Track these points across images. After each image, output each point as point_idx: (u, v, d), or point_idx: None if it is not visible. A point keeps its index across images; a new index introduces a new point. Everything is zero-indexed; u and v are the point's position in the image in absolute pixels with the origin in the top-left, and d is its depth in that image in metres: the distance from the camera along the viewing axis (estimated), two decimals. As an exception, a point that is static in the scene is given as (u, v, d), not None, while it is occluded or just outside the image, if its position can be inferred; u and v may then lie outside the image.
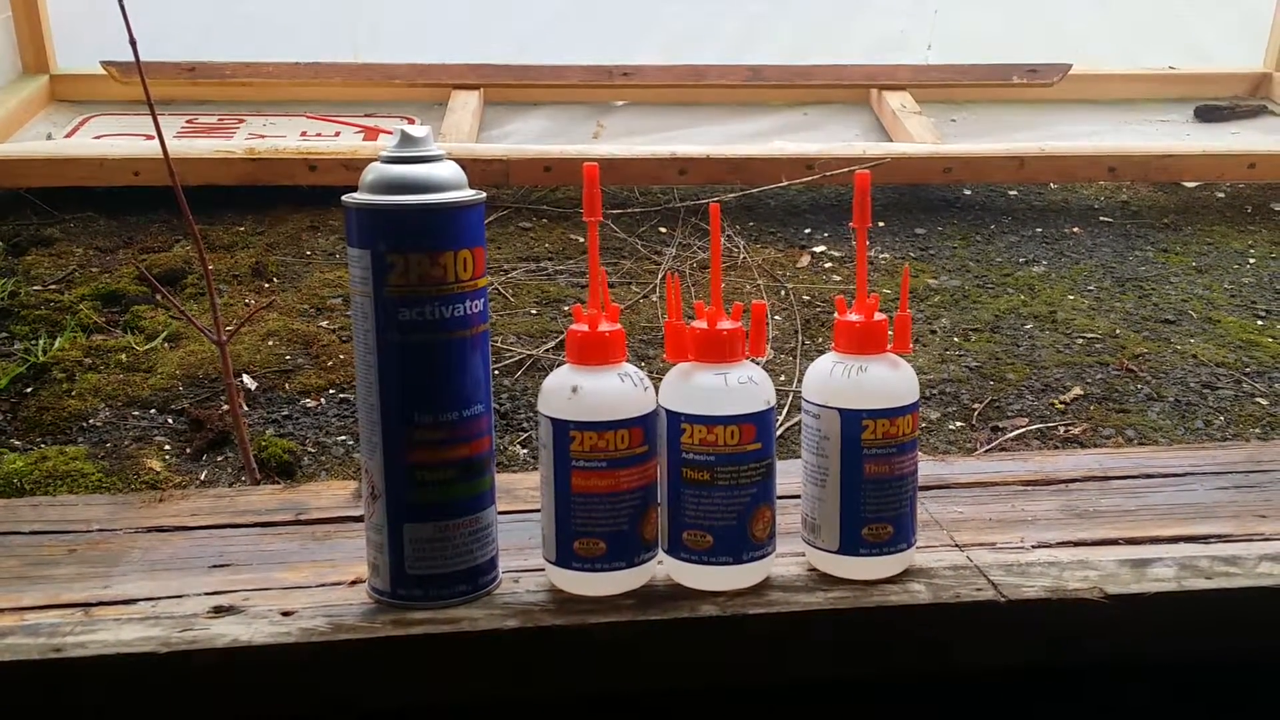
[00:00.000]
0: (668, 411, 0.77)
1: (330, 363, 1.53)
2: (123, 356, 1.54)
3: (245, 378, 1.48)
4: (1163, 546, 0.86)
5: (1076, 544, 0.87)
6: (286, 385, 1.48)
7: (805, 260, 1.89)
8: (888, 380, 0.78)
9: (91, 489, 1.27)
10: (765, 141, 2.17)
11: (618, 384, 0.77)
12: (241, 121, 2.33)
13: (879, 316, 0.79)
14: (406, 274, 0.73)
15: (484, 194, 0.77)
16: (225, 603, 0.78)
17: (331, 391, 1.48)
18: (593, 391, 0.76)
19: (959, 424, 1.45)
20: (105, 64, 2.31)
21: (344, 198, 0.75)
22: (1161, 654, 0.81)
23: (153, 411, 1.43)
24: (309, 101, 2.36)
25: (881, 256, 1.91)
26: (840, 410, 0.78)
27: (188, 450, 1.35)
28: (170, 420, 1.42)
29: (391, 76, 2.37)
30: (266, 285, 1.74)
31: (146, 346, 1.57)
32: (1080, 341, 1.66)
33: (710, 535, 0.77)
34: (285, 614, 0.76)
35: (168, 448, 1.36)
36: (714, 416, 0.76)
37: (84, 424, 1.40)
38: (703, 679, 0.77)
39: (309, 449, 1.36)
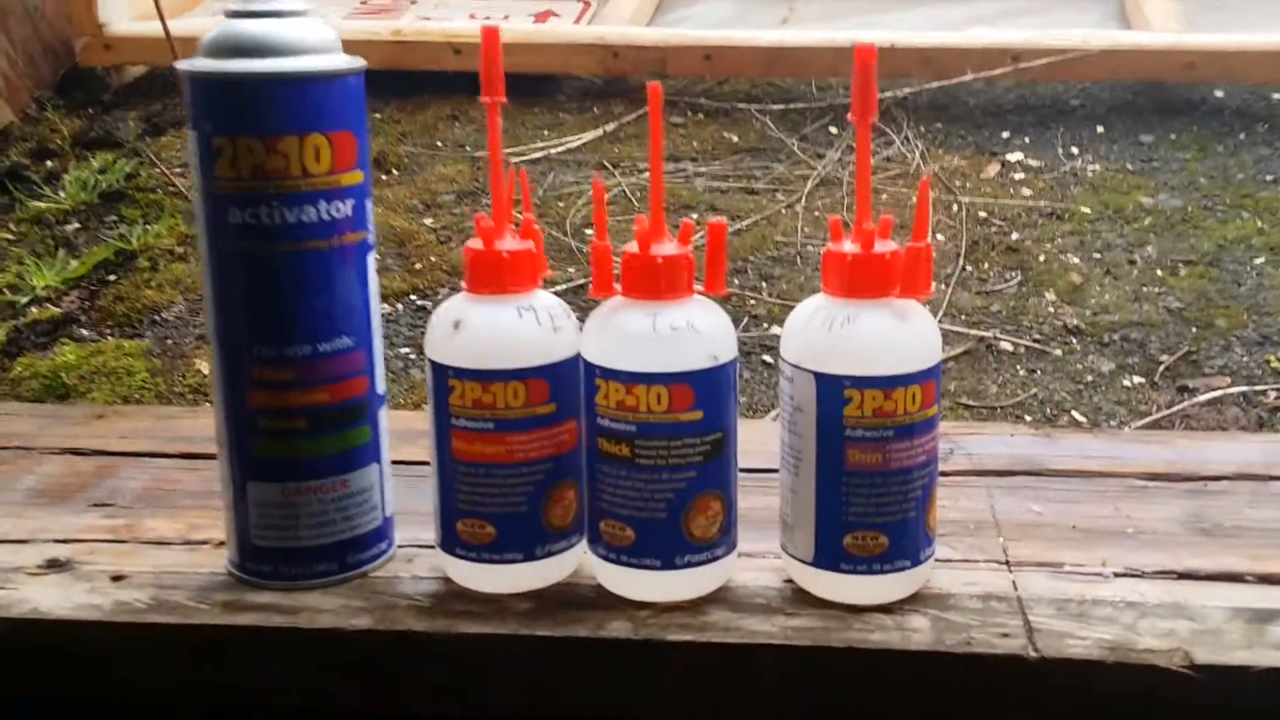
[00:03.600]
0: (585, 362, 0.58)
1: (419, 265, 1.39)
2: (220, 248, 1.46)
3: (323, 277, 1.36)
4: (1314, 591, 0.61)
5: (1182, 576, 0.62)
6: (366, 288, 1.35)
7: (993, 169, 1.60)
8: (884, 336, 0.56)
9: (134, 389, 1.19)
10: (980, 29, 1.86)
11: (513, 320, 0.58)
12: (413, 2, 2.21)
13: (884, 247, 0.57)
14: (236, 164, 0.57)
15: (359, 62, 0.59)
16: (66, 555, 0.65)
17: (412, 297, 1.34)
18: (478, 328, 0.58)
19: (1138, 380, 1.17)
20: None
21: (176, 64, 0.59)
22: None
23: (229, 308, 1.34)
24: (483, -18, 2.21)
25: (1090, 168, 1.60)
26: (816, 374, 0.57)
27: (247, 353, 1.25)
28: (243, 319, 1.32)
29: (568, -46, 2.18)
30: (384, 177, 1.61)
31: (245, 238, 1.48)
32: (1325, 283, 1.32)
33: (630, 528, 0.58)
34: (115, 579, 0.63)
35: (230, 349, 1.26)
36: (633, 373, 0.56)
37: (155, 317, 1.32)
38: (603, 714, 0.58)
39: (366, 360, 1.23)
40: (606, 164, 1.61)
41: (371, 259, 0.61)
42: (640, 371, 0.56)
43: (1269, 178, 1.57)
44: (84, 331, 1.30)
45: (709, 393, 0.57)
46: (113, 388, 1.19)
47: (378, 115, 1.80)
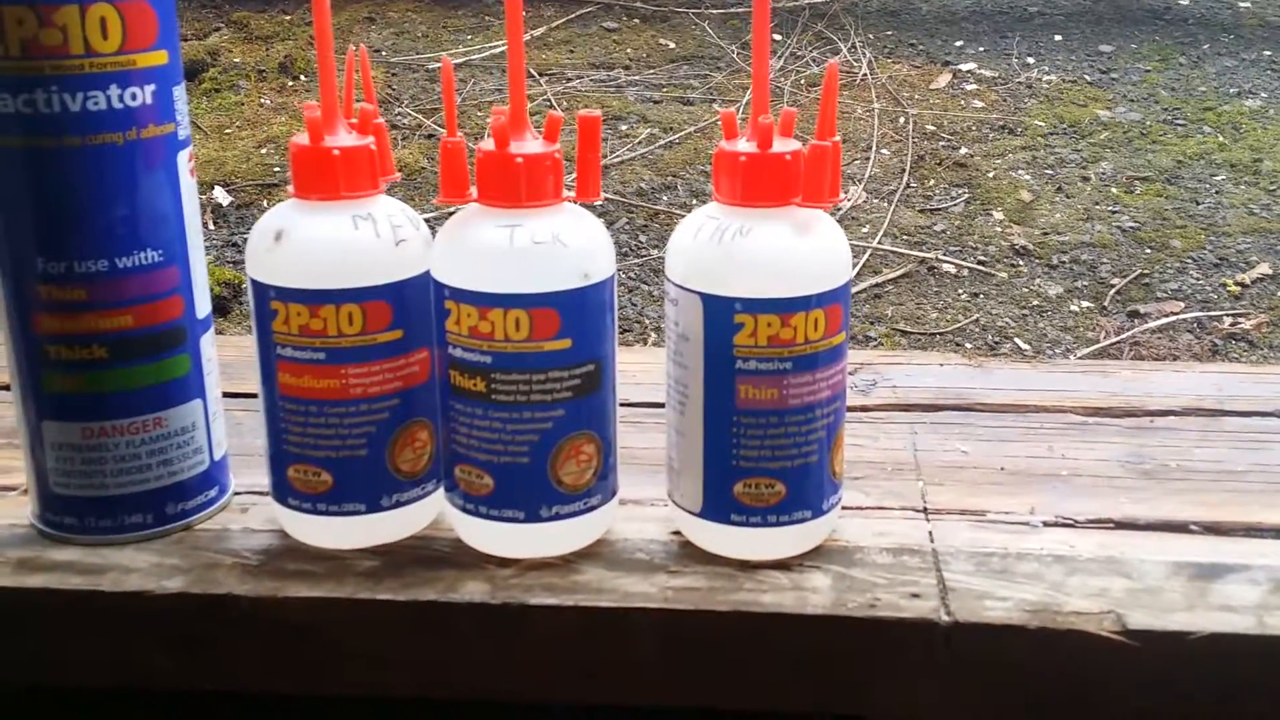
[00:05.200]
0: (434, 281, 0.50)
1: (324, 177, 1.29)
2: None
3: (218, 190, 1.26)
4: (1268, 542, 0.54)
5: (1119, 525, 0.55)
6: (265, 201, 1.25)
7: (943, 80, 1.51)
8: (782, 251, 0.48)
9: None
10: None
11: (346, 231, 0.49)
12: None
13: (783, 146, 0.48)
14: (4, 39, 0.47)
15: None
16: None
17: (315, 212, 1.24)
18: (304, 240, 0.49)
19: (1086, 304, 1.10)
20: None
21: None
22: (1220, 730, 0.50)
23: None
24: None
25: (1046, 79, 1.51)
26: (702, 296, 0.48)
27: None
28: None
29: None
30: (290, 83, 1.50)
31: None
32: (1287, 202, 1.25)
33: (489, 475, 0.50)
34: (-103, 530, 0.54)
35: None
36: (487, 294, 0.48)
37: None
38: (457, 689, 0.51)
39: (260, 280, 1.14)
40: (534, 72, 1.51)
41: (185, 158, 0.52)
42: (496, 293, 0.47)
43: (1233, 90, 1.49)
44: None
45: (579, 317, 0.48)
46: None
47: (288, 18, 1.68)
